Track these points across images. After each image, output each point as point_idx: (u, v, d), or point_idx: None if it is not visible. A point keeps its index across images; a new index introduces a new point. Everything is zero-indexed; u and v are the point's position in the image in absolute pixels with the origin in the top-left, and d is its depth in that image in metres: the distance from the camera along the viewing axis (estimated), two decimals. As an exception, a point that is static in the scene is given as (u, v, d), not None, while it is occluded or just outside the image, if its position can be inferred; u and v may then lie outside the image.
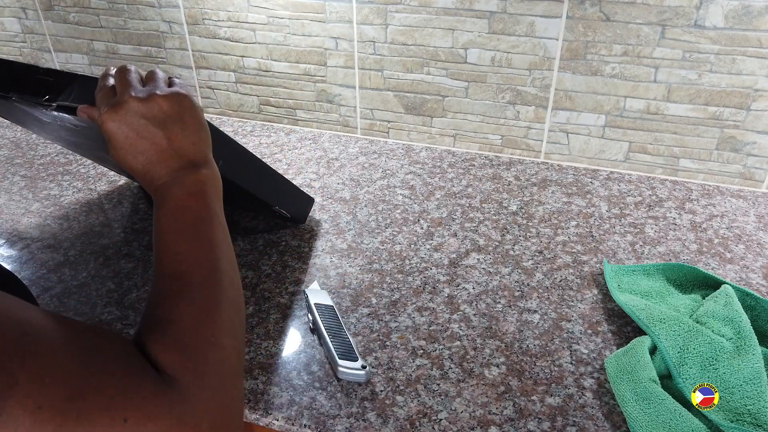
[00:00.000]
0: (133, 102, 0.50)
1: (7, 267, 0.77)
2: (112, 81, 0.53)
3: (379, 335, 0.72)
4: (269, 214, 0.90)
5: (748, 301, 0.71)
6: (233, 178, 0.73)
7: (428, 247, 0.87)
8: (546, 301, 0.77)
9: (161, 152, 0.50)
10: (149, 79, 0.53)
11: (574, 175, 1.03)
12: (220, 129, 0.74)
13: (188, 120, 0.52)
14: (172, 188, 0.49)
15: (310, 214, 0.94)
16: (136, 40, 1.25)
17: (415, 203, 0.96)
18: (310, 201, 0.92)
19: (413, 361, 0.69)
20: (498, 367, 0.68)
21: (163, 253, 0.46)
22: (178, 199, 0.48)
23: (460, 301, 0.77)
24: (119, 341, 0.38)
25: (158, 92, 0.51)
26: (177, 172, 0.50)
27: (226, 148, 0.72)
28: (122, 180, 1.06)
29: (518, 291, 0.79)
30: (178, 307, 0.42)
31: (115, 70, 0.54)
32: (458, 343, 0.71)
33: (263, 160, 0.98)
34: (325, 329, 0.70)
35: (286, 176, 1.03)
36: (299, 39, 1.11)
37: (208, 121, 0.56)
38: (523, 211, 0.94)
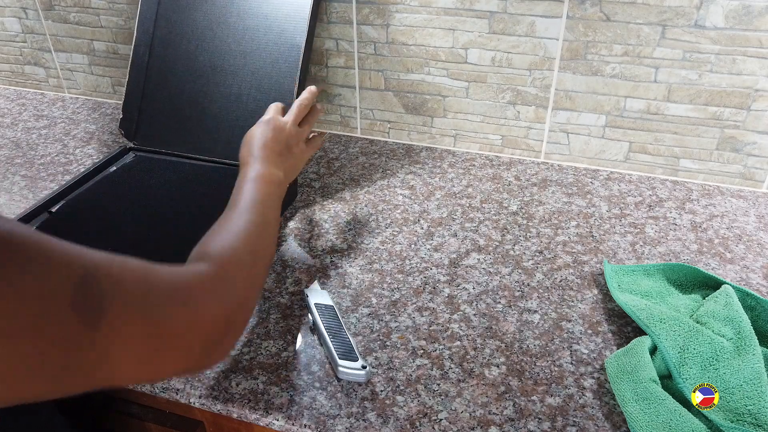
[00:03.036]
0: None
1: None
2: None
3: (379, 335, 0.72)
4: None
5: (749, 302, 0.71)
6: None
7: (428, 247, 0.87)
8: (546, 301, 0.77)
9: (255, 149, 0.70)
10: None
11: (574, 175, 1.03)
12: None
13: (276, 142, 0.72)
14: (240, 170, 0.68)
15: (311, 214, 0.94)
16: (136, 40, 1.25)
17: (415, 203, 0.96)
18: None
19: (413, 361, 0.69)
20: (498, 367, 0.68)
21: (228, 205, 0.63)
22: (240, 179, 0.67)
23: (460, 301, 0.77)
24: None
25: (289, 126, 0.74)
26: (247, 165, 0.69)
27: None
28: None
29: (518, 291, 0.79)
30: (215, 234, 0.57)
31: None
32: (458, 343, 0.71)
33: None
34: (325, 329, 0.70)
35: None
36: (299, 39, 1.11)
37: None
38: (523, 211, 0.94)
